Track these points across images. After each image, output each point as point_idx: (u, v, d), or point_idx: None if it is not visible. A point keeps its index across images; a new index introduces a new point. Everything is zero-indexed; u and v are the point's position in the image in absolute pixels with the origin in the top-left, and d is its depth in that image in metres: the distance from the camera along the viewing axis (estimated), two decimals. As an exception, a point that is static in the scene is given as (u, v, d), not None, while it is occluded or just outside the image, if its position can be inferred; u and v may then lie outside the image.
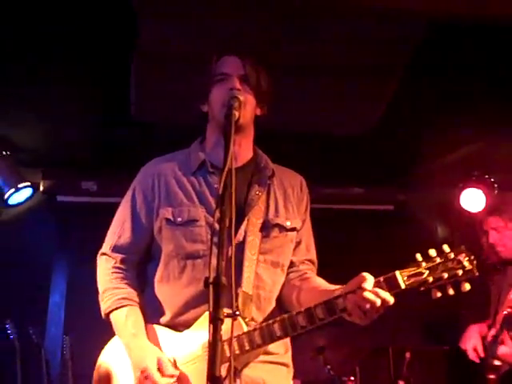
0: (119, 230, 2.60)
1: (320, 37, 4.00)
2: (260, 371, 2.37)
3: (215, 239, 2.37)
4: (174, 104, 4.83)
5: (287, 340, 2.50)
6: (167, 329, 2.45)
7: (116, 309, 2.48)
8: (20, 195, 5.70)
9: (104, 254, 2.62)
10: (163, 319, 2.46)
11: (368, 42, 4.06)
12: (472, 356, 4.25)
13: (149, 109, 4.93)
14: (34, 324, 5.34)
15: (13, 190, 5.56)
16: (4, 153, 5.56)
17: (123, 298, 2.48)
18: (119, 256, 2.57)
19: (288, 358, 2.54)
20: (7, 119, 5.21)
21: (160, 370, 2.31)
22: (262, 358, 2.36)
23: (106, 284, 2.54)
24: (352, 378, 4.42)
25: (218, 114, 2.46)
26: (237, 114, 2.26)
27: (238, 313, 2.15)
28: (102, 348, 5.30)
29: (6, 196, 5.58)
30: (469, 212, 5.67)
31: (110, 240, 2.63)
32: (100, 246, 6.24)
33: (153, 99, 4.83)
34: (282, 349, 2.47)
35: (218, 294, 1.75)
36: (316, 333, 4.25)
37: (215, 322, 1.70)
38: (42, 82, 4.64)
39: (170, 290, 2.47)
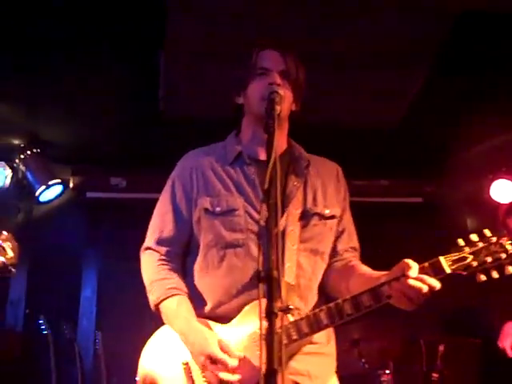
0: (161, 223, 2.61)
1: (346, 31, 4.00)
2: (305, 363, 2.39)
3: (254, 228, 2.42)
4: (202, 99, 4.86)
5: (330, 329, 2.51)
6: (212, 321, 2.46)
7: (166, 298, 2.48)
8: (51, 192, 5.77)
9: (148, 248, 2.63)
10: (205, 310, 2.48)
11: (395, 33, 4.05)
12: (511, 354, 4.25)
13: (177, 104, 4.96)
14: (67, 319, 5.41)
15: (44, 187, 5.63)
16: (35, 150, 5.63)
17: (172, 288, 2.49)
18: (163, 249, 2.59)
19: (331, 348, 2.55)
20: (38, 117, 5.28)
21: (224, 351, 2.31)
22: (307, 348, 2.38)
23: (153, 276, 2.55)
24: (387, 372, 4.40)
25: (256, 108, 2.48)
26: (278, 108, 2.27)
27: (291, 307, 2.18)
28: (134, 342, 5.35)
29: (37, 193, 5.64)
30: (498, 203, 5.63)
31: (152, 234, 2.64)
32: (129, 241, 6.29)
33: (181, 95, 4.86)
34: (324, 338, 2.48)
35: (271, 287, 1.75)
36: (350, 325, 4.25)
37: (270, 315, 1.70)
38: (72, 79, 4.69)
39: (209, 280, 2.49)
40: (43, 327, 5.13)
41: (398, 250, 5.19)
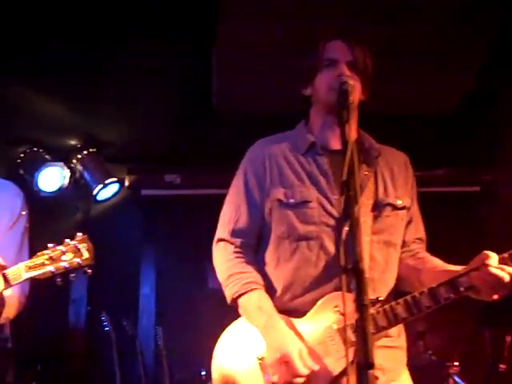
0: (235, 213, 2.58)
1: (406, 18, 3.96)
2: (378, 357, 2.34)
3: (328, 221, 2.39)
4: (254, 95, 4.87)
5: None
6: (287, 317, 2.43)
7: (245, 293, 2.46)
8: (107, 191, 5.84)
9: (222, 239, 2.60)
10: (278, 303, 2.46)
11: (455, 19, 3.98)
12: None
13: (229, 100, 4.97)
14: (127, 315, 5.48)
15: (101, 186, 5.71)
16: (91, 150, 5.71)
17: (251, 282, 2.47)
18: (238, 240, 2.55)
19: (402, 341, 2.51)
20: (93, 117, 5.36)
21: (301, 358, 2.29)
22: (380, 342, 2.33)
23: (230, 269, 2.52)
24: (456, 363, 4.33)
25: (325, 98, 2.46)
26: (351, 98, 2.25)
27: (381, 298, 2.17)
28: (192, 337, 5.40)
29: (94, 192, 5.73)
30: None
31: (226, 225, 2.60)
32: (185, 238, 6.36)
33: (233, 91, 4.87)
34: (396, 331, 2.44)
35: (360, 280, 1.73)
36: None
37: (361, 308, 1.69)
38: (126, 78, 4.74)
39: (281, 272, 2.46)
40: (105, 324, 5.20)
41: (455, 241, 5.16)
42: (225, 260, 2.56)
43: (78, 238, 2.14)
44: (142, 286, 6.24)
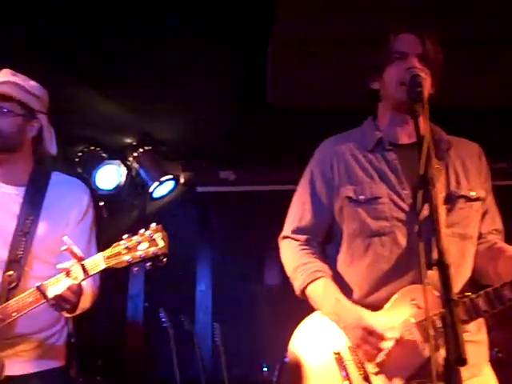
0: (300, 212, 2.59)
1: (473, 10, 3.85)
2: None
3: (400, 216, 2.36)
4: (310, 90, 4.83)
5: None
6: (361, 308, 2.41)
7: (311, 282, 2.46)
8: (163, 188, 5.90)
9: (286, 237, 2.62)
10: (353, 299, 2.43)
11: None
12: None
13: (285, 95, 4.94)
14: (184, 312, 5.52)
15: (157, 183, 5.76)
16: (146, 148, 5.77)
17: (317, 271, 2.47)
18: (303, 237, 2.57)
19: (483, 335, 2.45)
20: (148, 115, 5.40)
21: (382, 326, 2.28)
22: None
23: (296, 262, 2.53)
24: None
25: (395, 92, 2.42)
26: (423, 91, 2.20)
27: (468, 293, 2.15)
28: (249, 334, 5.39)
29: (150, 189, 5.78)
30: None
31: (291, 223, 2.62)
32: (240, 234, 6.36)
33: (289, 86, 4.83)
34: (475, 326, 2.38)
35: (445, 274, 1.70)
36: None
37: (448, 303, 1.66)
38: (180, 76, 4.76)
39: (355, 270, 2.45)
40: (164, 320, 5.24)
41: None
42: (290, 254, 2.58)
43: (152, 228, 2.16)
44: (198, 282, 6.28)
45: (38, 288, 2.21)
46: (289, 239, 2.61)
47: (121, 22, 4.10)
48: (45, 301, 2.19)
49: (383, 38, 2.50)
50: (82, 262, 2.18)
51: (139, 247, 2.09)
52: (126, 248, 2.10)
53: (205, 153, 6.02)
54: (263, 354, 5.53)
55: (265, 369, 4.83)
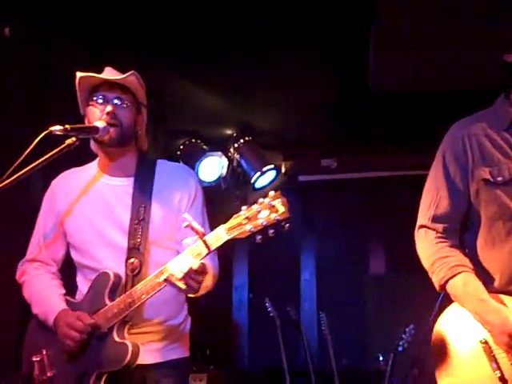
0: (435, 199, 2.49)
1: None
2: None
3: None
4: (413, 73, 4.68)
5: None
6: (504, 296, 2.33)
7: (452, 277, 2.37)
8: (265, 178, 5.88)
9: (423, 226, 2.52)
10: (494, 286, 2.35)
11: None
12: None
13: (387, 79, 4.81)
14: (289, 301, 5.49)
15: (258, 173, 5.75)
16: (247, 138, 5.77)
17: (457, 265, 2.37)
18: (440, 226, 2.47)
19: None
20: (248, 106, 5.40)
21: None
22: None
23: (434, 255, 2.43)
24: None
25: None
26: None
27: None
28: (356, 323, 5.28)
29: (252, 180, 5.78)
30: None
31: (426, 211, 2.52)
32: (344, 222, 6.25)
33: (391, 69, 4.70)
34: None
35: None
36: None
37: None
38: (279, 65, 4.72)
39: (496, 255, 2.35)
40: (269, 310, 5.23)
41: None
42: (427, 246, 2.48)
43: (270, 195, 2.13)
44: (303, 271, 6.24)
45: (165, 268, 2.23)
46: (425, 229, 2.51)
47: (222, 15, 4.11)
48: (172, 279, 2.19)
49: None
50: (204, 238, 2.18)
51: (259, 215, 2.05)
52: (247, 218, 2.07)
53: (306, 141, 5.95)
54: (371, 344, 5.43)
55: (380, 358, 4.72)
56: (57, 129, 2.19)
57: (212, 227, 2.52)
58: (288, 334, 5.30)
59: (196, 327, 2.66)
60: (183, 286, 2.16)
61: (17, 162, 2.07)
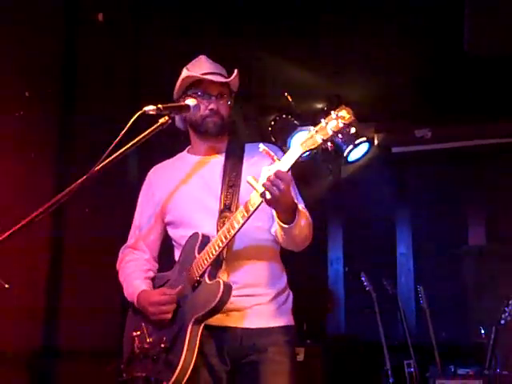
0: None
1: None
2: None
3: None
4: (507, 38, 4.47)
5: None
6: None
7: None
8: (358, 151, 5.81)
9: None
10: None
11: None
12: None
13: (484, 43, 4.61)
14: (385, 275, 5.43)
15: (351, 146, 5.69)
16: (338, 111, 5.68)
17: None
18: None
19: None
20: (337, 78, 5.33)
21: None
22: None
23: None
24: None
25: None
26: None
27: None
28: (455, 295, 5.14)
29: (345, 153, 5.72)
30: None
31: None
32: (439, 194, 6.11)
33: (486, 34, 4.50)
34: None
35: None
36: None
37: None
38: (370, 34, 4.62)
39: None
40: (365, 284, 5.20)
41: None
42: None
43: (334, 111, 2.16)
44: (399, 245, 6.15)
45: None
46: None
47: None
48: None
49: None
50: (281, 158, 2.23)
51: (328, 126, 2.11)
52: (316, 131, 2.14)
53: (398, 112, 5.81)
54: (471, 317, 5.30)
55: (482, 331, 4.59)
56: (150, 108, 2.25)
57: (306, 202, 2.53)
58: (385, 308, 5.26)
59: (292, 302, 2.67)
60: (262, 189, 2.18)
61: (114, 143, 2.13)
